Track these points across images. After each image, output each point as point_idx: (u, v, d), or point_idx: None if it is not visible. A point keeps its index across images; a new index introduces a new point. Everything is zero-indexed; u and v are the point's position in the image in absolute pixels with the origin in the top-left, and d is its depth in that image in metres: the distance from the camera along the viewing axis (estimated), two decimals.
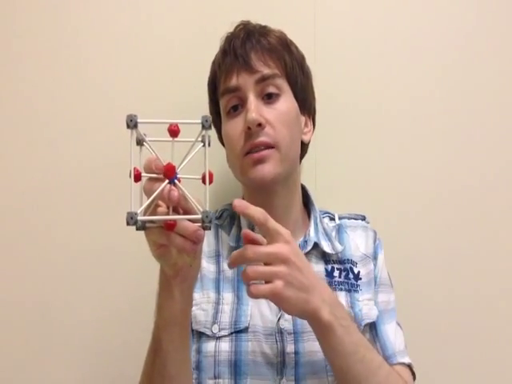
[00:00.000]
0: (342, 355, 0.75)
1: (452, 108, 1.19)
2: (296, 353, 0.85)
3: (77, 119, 1.14)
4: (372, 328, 0.93)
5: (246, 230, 0.72)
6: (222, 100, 0.93)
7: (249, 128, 0.87)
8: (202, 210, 0.59)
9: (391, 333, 0.93)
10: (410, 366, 0.92)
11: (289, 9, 1.18)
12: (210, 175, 0.60)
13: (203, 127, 0.58)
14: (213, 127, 1.00)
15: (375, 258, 0.98)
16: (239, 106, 0.91)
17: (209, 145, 0.60)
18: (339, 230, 1.00)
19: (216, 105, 0.97)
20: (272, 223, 0.71)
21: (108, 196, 1.11)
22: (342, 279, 0.93)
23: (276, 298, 0.71)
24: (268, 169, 0.87)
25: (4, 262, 1.10)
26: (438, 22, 1.20)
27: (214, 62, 0.97)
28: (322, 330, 0.74)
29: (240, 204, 0.68)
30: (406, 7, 1.20)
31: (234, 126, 0.90)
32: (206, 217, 0.59)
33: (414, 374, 0.92)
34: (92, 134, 1.14)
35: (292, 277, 0.71)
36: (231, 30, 0.96)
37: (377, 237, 1.01)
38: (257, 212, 0.70)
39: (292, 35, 0.97)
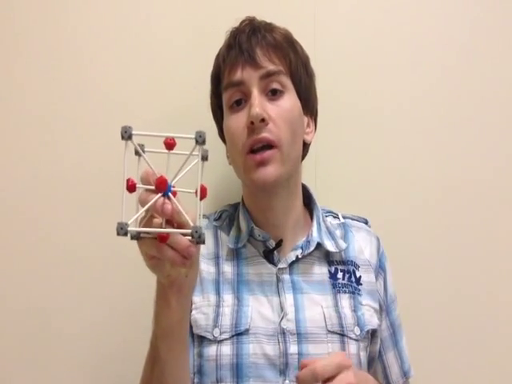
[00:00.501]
0: None
1: (453, 109, 1.18)
2: (299, 354, 0.85)
3: (75, 124, 1.13)
4: (388, 343, 0.98)
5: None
6: (225, 94, 0.92)
7: (252, 123, 0.86)
8: (192, 224, 0.59)
9: (406, 347, 0.99)
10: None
11: (289, 9, 1.17)
12: (204, 190, 0.60)
13: (197, 142, 0.57)
14: (213, 123, 1.00)
15: (382, 269, 0.98)
16: (242, 101, 0.90)
17: (206, 159, 0.59)
18: (345, 228, 1.00)
19: (218, 99, 0.96)
20: (323, 365, 0.73)
21: (107, 201, 1.08)
22: (345, 281, 0.93)
23: None
24: (270, 171, 0.87)
25: (3, 266, 1.11)
26: (438, 22, 1.19)
27: (218, 56, 0.96)
28: None
29: None
30: (406, 7, 1.19)
31: (237, 121, 0.89)
32: (196, 232, 0.58)
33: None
34: (90, 139, 1.13)
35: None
36: (236, 25, 0.95)
37: (380, 245, 1.01)
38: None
39: (292, 33, 0.96)
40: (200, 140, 0.57)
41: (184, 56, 1.16)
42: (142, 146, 0.60)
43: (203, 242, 0.59)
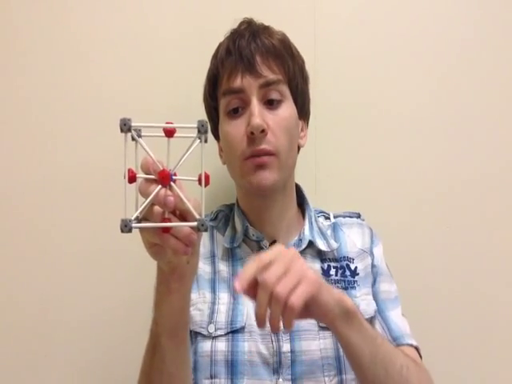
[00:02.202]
0: (369, 340, 0.73)
1: (452, 109, 1.18)
2: (292, 351, 0.86)
3: (73, 120, 1.13)
4: (374, 318, 0.93)
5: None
6: (223, 99, 0.92)
7: (252, 133, 0.86)
8: (197, 216, 0.58)
9: (397, 318, 0.93)
10: (417, 349, 0.91)
11: (289, 9, 1.17)
12: (207, 177, 0.59)
13: (199, 132, 0.57)
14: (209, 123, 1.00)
15: (372, 251, 0.98)
16: (240, 108, 0.90)
17: (206, 141, 0.58)
18: (334, 227, 1.00)
19: (214, 101, 0.96)
20: (262, 259, 0.68)
21: (104, 194, 1.10)
22: (338, 277, 0.93)
23: (315, 291, 0.67)
24: (268, 175, 0.87)
25: (3, 263, 1.11)
26: (438, 23, 1.19)
27: (215, 58, 0.95)
28: (348, 318, 0.72)
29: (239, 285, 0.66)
30: (406, 8, 1.19)
31: (235, 128, 0.89)
32: (202, 225, 0.58)
33: (420, 356, 0.92)
34: (89, 133, 1.13)
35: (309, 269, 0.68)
36: (234, 26, 0.95)
37: (373, 233, 1.01)
38: (252, 268, 0.67)
39: (292, 35, 0.97)
40: (202, 130, 0.57)
41: (182, 55, 1.16)
42: (138, 131, 0.59)
43: (206, 230, 0.59)
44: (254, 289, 0.66)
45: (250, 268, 0.67)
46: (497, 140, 1.18)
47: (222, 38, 0.96)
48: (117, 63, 1.15)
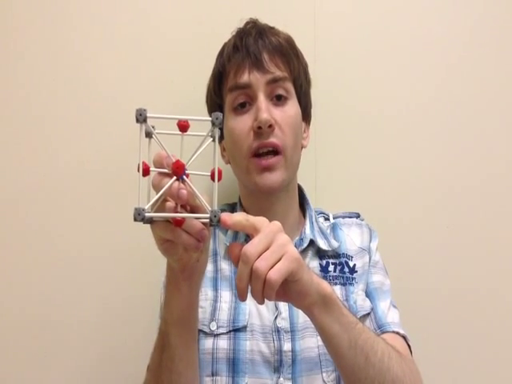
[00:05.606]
0: (348, 327, 0.71)
1: (452, 109, 1.19)
2: (292, 351, 0.86)
3: (83, 116, 1.14)
4: (369, 315, 0.92)
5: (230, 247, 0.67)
6: (230, 95, 0.92)
7: (259, 128, 0.87)
8: (210, 208, 0.59)
9: (384, 307, 0.92)
10: (404, 338, 0.90)
11: (289, 9, 1.18)
12: (219, 172, 0.60)
13: (213, 125, 0.57)
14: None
15: (370, 247, 0.98)
16: (246, 104, 0.91)
17: (220, 138, 0.59)
18: (334, 227, 1.01)
19: (219, 98, 0.96)
20: (252, 219, 0.66)
21: (110, 194, 1.11)
22: (336, 273, 0.94)
23: (295, 268, 0.65)
24: (275, 177, 0.88)
25: (5, 261, 1.10)
26: (438, 23, 1.20)
27: (221, 56, 0.96)
28: (327, 305, 0.70)
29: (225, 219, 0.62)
30: (406, 8, 1.20)
31: (241, 124, 0.90)
32: (215, 216, 0.58)
33: (409, 346, 0.90)
34: (97, 130, 1.14)
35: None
36: (240, 25, 0.96)
37: (372, 232, 1.01)
38: (239, 216, 0.66)
39: (292, 35, 0.97)
40: (217, 122, 0.57)
41: (184, 57, 1.16)
42: (152, 127, 0.59)
43: (220, 222, 0.59)
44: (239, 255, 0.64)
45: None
46: (497, 140, 1.19)
47: (220, 39, 0.96)
48: (122, 64, 1.16)
